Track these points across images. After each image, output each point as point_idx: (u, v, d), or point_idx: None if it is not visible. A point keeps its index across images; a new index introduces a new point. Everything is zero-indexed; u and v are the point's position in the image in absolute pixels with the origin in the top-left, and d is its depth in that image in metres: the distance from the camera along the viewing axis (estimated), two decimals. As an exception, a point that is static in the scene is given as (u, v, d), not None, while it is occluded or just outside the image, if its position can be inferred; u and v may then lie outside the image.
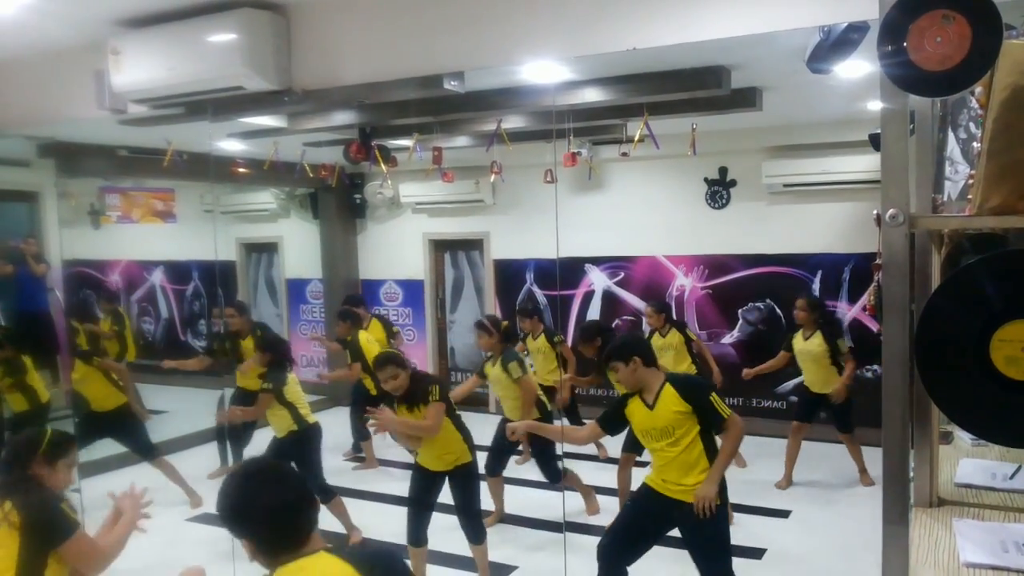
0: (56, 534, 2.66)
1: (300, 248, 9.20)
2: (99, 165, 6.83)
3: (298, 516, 1.86)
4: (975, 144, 1.61)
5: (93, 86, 3.99)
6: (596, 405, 6.72)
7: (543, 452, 5.30)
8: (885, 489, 1.45)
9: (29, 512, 2.63)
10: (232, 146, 6.57)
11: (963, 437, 2.68)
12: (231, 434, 6.37)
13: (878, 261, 1.45)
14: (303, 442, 5.07)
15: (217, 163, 6.78)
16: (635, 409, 3.69)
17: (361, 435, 6.96)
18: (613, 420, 3.81)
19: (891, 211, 1.40)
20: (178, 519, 5.74)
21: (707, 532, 3.55)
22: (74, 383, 5.96)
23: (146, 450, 5.91)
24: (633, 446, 5.00)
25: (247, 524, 1.85)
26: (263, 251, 9.32)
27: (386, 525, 5.26)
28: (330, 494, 5.16)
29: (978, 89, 1.46)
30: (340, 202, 8.97)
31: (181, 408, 7.75)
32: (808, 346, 5.78)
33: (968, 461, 2.53)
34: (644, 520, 3.74)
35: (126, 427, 5.91)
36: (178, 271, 8.68)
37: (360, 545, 5.00)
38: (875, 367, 6.32)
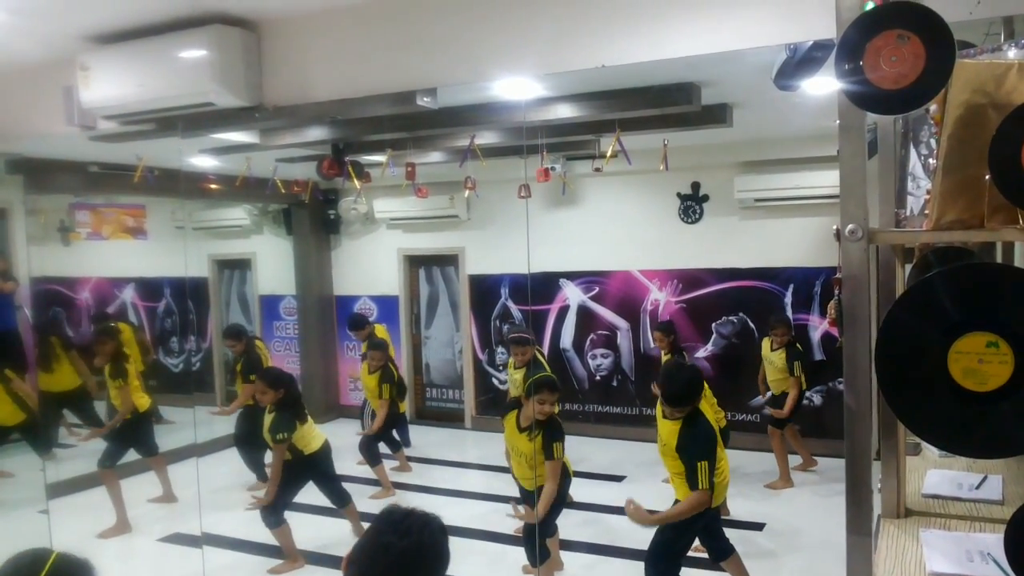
0: None
1: (273, 264, 9.13)
2: (69, 181, 6.75)
3: None
4: (932, 160, 1.64)
5: (62, 102, 3.95)
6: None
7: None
8: (848, 501, 1.46)
9: None
10: (204, 162, 6.53)
11: (930, 448, 2.71)
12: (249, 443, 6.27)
13: (838, 275, 1.47)
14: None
15: (188, 179, 6.74)
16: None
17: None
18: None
19: (850, 226, 1.42)
20: (150, 539, 5.67)
21: None
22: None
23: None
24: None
25: None
26: (236, 267, 9.24)
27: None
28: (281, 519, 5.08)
29: (933, 106, 1.49)
30: (314, 218, 8.92)
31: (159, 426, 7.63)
32: (772, 356, 6.33)
33: (935, 472, 2.56)
34: None
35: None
36: (149, 288, 8.59)
37: None
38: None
